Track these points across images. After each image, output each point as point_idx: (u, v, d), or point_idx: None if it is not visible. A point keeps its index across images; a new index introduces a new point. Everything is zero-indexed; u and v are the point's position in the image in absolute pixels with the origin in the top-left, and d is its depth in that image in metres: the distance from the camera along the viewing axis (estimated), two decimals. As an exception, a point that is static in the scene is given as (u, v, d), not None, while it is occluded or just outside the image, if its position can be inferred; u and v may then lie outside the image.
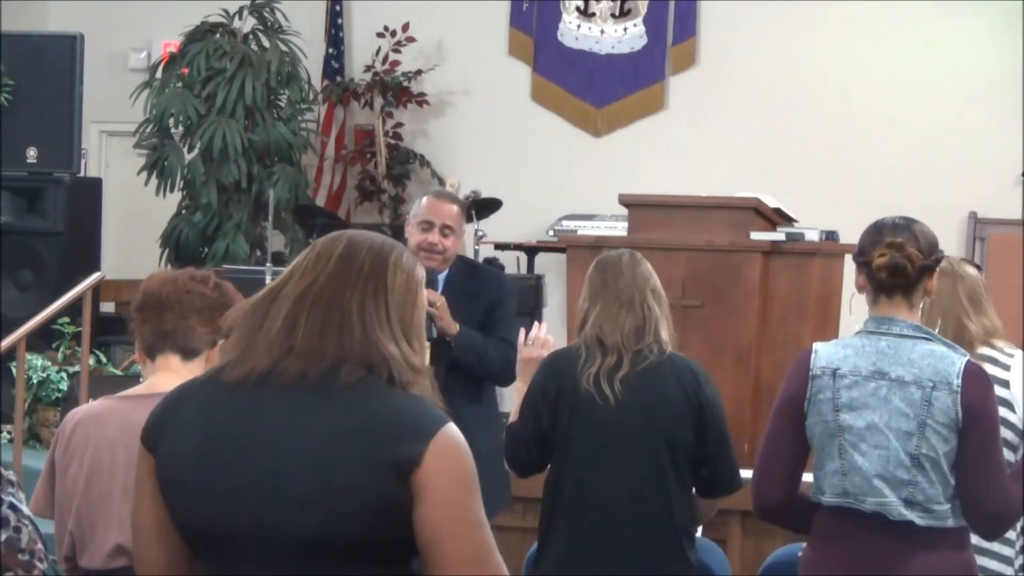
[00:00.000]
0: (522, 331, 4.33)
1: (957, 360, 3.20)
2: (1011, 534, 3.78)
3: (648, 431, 3.86)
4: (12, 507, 2.48)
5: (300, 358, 2.14)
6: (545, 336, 4.25)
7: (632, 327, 3.91)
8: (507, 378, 4.70)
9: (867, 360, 3.23)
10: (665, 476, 3.87)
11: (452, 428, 2.13)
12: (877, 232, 3.30)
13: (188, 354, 3.09)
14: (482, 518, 2.13)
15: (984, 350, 3.86)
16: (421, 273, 2.26)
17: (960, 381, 3.17)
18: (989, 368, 3.81)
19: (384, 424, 2.10)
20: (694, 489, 3.99)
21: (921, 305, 3.35)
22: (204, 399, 2.19)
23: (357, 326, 2.15)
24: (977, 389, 3.18)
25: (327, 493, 2.08)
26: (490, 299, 4.76)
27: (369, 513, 2.07)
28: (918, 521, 3.17)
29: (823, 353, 3.28)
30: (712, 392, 3.93)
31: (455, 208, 4.72)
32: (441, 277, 4.76)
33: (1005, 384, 3.81)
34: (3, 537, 2.42)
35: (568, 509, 3.91)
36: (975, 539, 3.41)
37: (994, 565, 3.78)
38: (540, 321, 4.57)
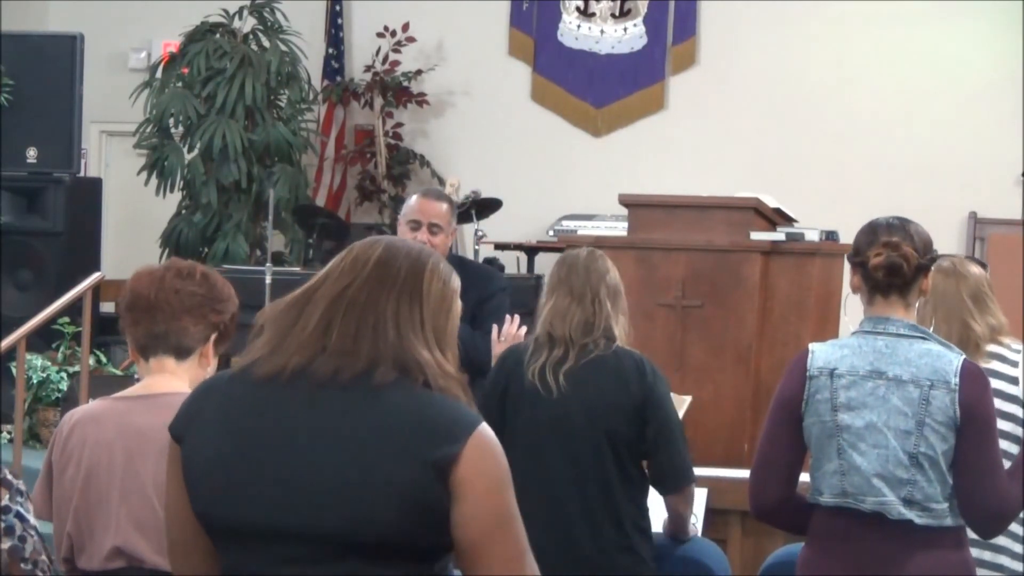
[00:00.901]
0: (494, 328, 4.34)
1: (954, 359, 3.21)
2: (1020, 530, 3.80)
3: (588, 425, 3.87)
4: (19, 516, 2.48)
5: (334, 357, 2.14)
6: (517, 331, 4.26)
7: (581, 321, 3.92)
8: None
9: (864, 360, 3.23)
10: (607, 470, 3.86)
11: (487, 428, 2.14)
12: (872, 232, 3.31)
13: (182, 354, 3.09)
14: (518, 515, 2.15)
15: (991, 347, 3.88)
16: (456, 282, 2.27)
17: (958, 380, 3.17)
18: (996, 365, 3.84)
19: (421, 423, 2.10)
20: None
21: (917, 304, 3.36)
22: (232, 393, 2.19)
23: (392, 331, 2.15)
24: (974, 388, 3.18)
25: (361, 490, 2.07)
26: (479, 294, 4.76)
27: (403, 511, 2.07)
28: (917, 520, 3.17)
29: (820, 353, 3.28)
30: (658, 387, 3.91)
31: (443, 206, 4.72)
32: None
33: (1013, 380, 3.83)
34: (7, 546, 2.42)
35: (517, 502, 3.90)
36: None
37: (1007, 562, 3.80)
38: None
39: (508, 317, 4.37)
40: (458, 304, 2.26)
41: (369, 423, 2.10)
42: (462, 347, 4.57)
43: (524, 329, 4.32)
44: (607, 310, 3.94)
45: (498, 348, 4.26)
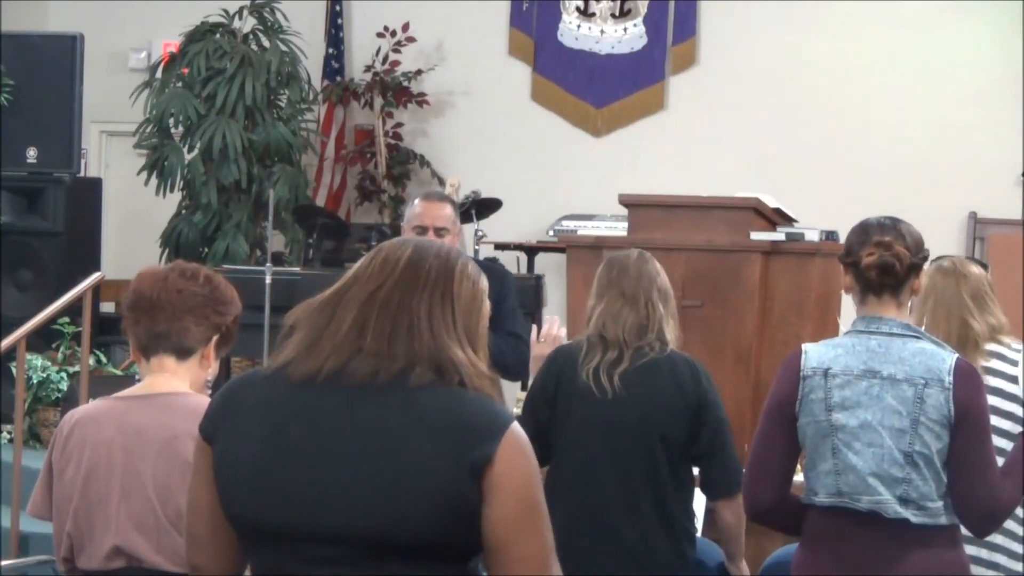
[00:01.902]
0: (534, 328, 4.35)
1: (948, 357, 3.21)
2: (1019, 529, 3.80)
3: (642, 427, 3.88)
4: None
5: (370, 359, 2.14)
6: (557, 332, 4.27)
7: (634, 324, 3.94)
8: (520, 372, 4.72)
9: (858, 359, 3.24)
10: (659, 472, 3.88)
11: (518, 427, 2.15)
12: (864, 232, 3.32)
13: (183, 354, 3.09)
14: (547, 514, 2.16)
15: (992, 346, 3.89)
16: (485, 283, 2.29)
17: (952, 378, 3.17)
18: (997, 363, 3.85)
19: (457, 424, 2.11)
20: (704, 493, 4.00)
21: (909, 304, 3.36)
22: (267, 394, 2.19)
23: (426, 331, 2.16)
24: (968, 386, 3.18)
25: (398, 492, 2.08)
26: (495, 295, 4.80)
27: (440, 512, 2.08)
28: (912, 519, 3.17)
29: (813, 354, 3.29)
30: (711, 391, 3.94)
31: (447, 208, 4.74)
32: None
33: (1013, 379, 3.84)
34: None
35: (564, 505, 3.92)
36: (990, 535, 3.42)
37: (1004, 560, 3.80)
38: (538, 322, 4.59)
39: (548, 318, 4.40)
40: (487, 304, 2.28)
41: (407, 424, 2.11)
42: (501, 359, 4.62)
43: (564, 330, 4.33)
44: (659, 312, 3.97)
45: (538, 349, 4.26)
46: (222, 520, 2.21)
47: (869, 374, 3.22)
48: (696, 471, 4.06)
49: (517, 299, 4.92)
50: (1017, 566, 3.82)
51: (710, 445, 3.91)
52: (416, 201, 4.81)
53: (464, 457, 2.08)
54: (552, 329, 4.31)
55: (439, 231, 4.69)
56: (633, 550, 3.87)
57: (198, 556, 2.28)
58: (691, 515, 3.99)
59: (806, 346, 3.33)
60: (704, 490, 4.00)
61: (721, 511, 4.02)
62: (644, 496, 3.87)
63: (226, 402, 2.23)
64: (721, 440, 3.93)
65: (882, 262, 3.25)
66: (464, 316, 2.21)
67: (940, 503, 3.19)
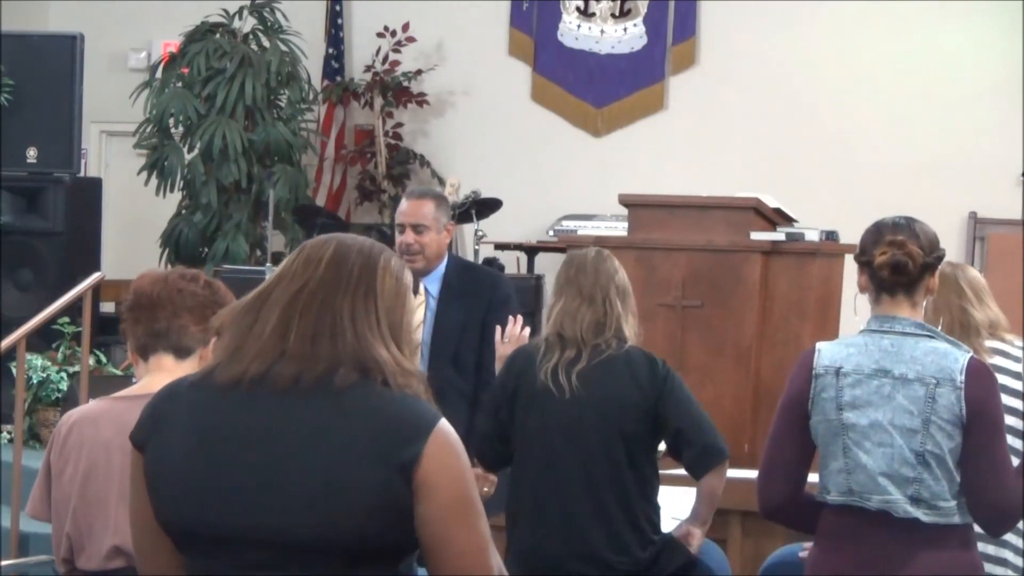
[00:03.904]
0: (497, 328, 4.34)
1: (960, 356, 3.20)
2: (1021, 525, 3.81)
3: (602, 424, 3.88)
4: None
5: (293, 362, 2.14)
6: (521, 332, 4.27)
7: (592, 322, 3.94)
8: None
9: (870, 358, 3.23)
10: (620, 470, 3.88)
11: (446, 424, 2.14)
12: (878, 231, 3.32)
13: (181, 353, 3.09)
14: (481, 509, 2.15)
15: (994, 343, 3.93)
16: (409, 277, 2.28)
17: (964, 377, 3.16)
18: (1000, 360, 3.87)
19: (384, 425, 2.10)
20: (690, 473, 3.99)
21: (924, 304, 3.36)
22: (195, 400, 2.19)
23: (349, 331, 2.15)
24: (981, 385, 3.18)
25: (328, 495, 2.08)
26: (487, 304, 4.76)
27: (371, 514, 2.08)
28: (923, 518, 3.17)
29: (826, 352, 3.29)
30: (670, 378, 3.92)
31: (426, 205, 4.73)
32: (438, 275, 4.77)
33: (1015, 376, 3.87)
34: None
35: (529, 503, 3.93)
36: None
37: (1010, 556, 3.81)
38: (540, 323, 4.57)
39: (511, 318, 4.37)
40: (411, 299, 2.27)
41: (333, 428, 2.11)
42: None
43: (528, 330, 4.33)
44: (617, 310, 3.97)
45: (502, 349, 4.26)
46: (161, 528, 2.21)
47: (880, 373, 3.22)
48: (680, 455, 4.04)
49: (515, 306, 4.77)
50: (1019, 563, 3.83)
51: (687, 432, 3.90)
52: (403, 199, 4.85)
53: (393, 457, 2.08)
54: (515, 328, 4.31)
55: (416, 228, 4.69)
56: (600, 549, 3.88)
57: (146, 566, 2.27)
58: (656, 509, 3.98)
59: (820, 344, 3.33)
60: (689, 471, 3.98)
61: (709, 483, 3.98)
62: (608, 494, 3.88)
63: (155, 410, 2.23)
64: (696, 423, 3.91)
65: (894, 261, 3.25)
66: (387, 313, 2.19)
67: (953, 503, 3.19)
